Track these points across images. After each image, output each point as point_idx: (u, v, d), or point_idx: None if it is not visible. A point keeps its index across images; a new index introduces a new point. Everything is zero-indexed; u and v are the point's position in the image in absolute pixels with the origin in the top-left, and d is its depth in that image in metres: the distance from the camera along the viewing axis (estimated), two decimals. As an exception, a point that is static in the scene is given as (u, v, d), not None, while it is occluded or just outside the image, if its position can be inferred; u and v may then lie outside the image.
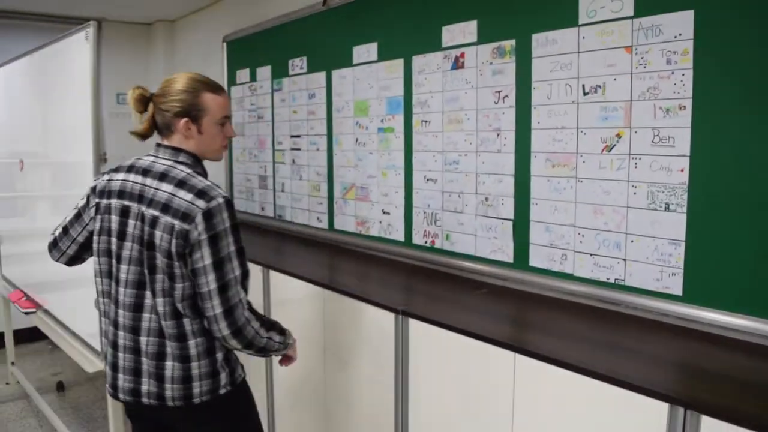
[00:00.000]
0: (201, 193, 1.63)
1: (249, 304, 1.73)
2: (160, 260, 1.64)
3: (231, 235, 1.65)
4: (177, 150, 1.76)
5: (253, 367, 2.92)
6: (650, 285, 1.94)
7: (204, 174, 1.76)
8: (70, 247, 1.91)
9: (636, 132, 1.93)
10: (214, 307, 1.64)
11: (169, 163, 1.73)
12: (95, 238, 1.79)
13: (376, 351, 2.22)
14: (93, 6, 4.57)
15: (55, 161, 2.71)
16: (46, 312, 3.36)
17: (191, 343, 1.69)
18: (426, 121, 2.64)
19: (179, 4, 4.55)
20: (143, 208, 1.67)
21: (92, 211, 1.82)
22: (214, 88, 1.78)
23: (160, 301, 1.67)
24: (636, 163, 1.94)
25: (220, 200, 1.63)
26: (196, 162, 1.78)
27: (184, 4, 4.54)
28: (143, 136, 1.83)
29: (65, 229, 1.91)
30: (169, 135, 1.78)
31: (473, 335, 1.87)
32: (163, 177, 1.69)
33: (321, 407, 2.55)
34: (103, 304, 1.81)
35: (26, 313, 3.45)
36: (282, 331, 1.86)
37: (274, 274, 2.78)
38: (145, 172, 1.73)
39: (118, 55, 5.07)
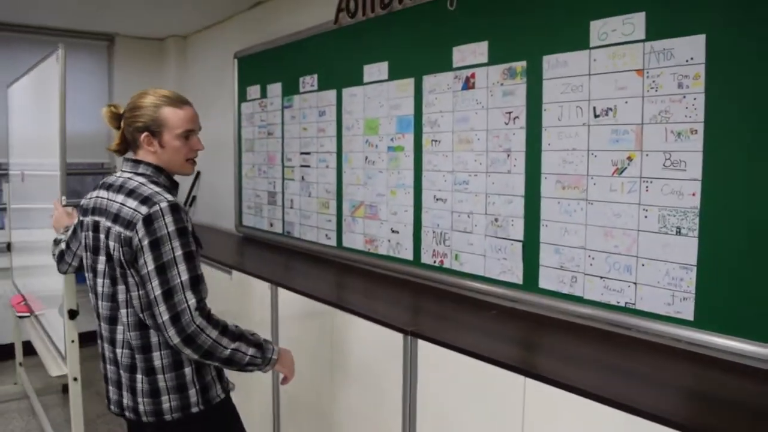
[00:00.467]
0: (145, 200, 1.65)
1: (205, 311, 1.66)
2: (118, 270, 1.70)
3: (175, 239, 1.63)
4: (137, 162, 1.81)
5: (256, 383, 2.91)
6: (661, 309, 1.92)
7: (169, 185, 1.81)
8: (73, 260, 2.11)
9: (647, 155, 1.93)
10: (162, 313, 1.60)
11: (128, 175, 1.79)
12: (82, 254, 1.93)
13: (384, 371, 2.21)
14: (106, 22, 4.62)
15: (51, 173, 2.80)
16: (36, 317, 3.48)
17: (155, 354, 1.71)
18: (436, 141, 2.64)
19: (191, 20, 4.59)
20: (104, 221, 1.75)
21: (79, 228, 1.95)
22: (175, 101, 1.82)
23: (124, 312, 1.72)
24: (647, 186, 1.93)
25: (163, 205, 1.64)
26: (157, 172, 1.80)
27: (196, 20, 4.58)
28: (118, 152, 1.89)
29: (67, 244, 2.10)
30: (135, 149, 1.84)
31: (483, 358, 1.85)
32: (119, 189, 1.75)
33: (327, 427, 2.53)
34: (95, 317, 1.86)
35: (20, 317, 3.68)
36: (258, 345, 1.76)
37: (282, 292, 2.78)
38: (110, 186, 1.80)
39: (131, 71, 5.11)
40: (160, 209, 1.63)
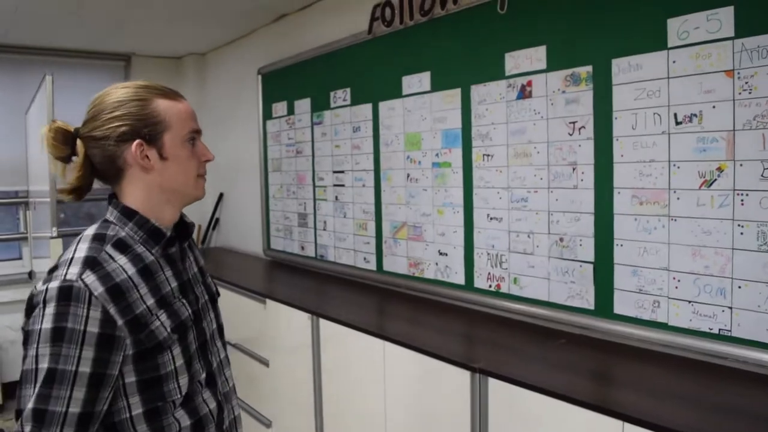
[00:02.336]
0: (50, 272, 1.14)
1: None
2: None
3: (44, 345, 1.05)
4: (112, 202, 1.26)
5: (299, 425, 2.71)
6: (763, 336, 1.72)
7: (145, 235, 1.23)
8: None
9: (741, 165, 1.72)
10: None
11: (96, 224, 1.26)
12: None
13: (449, 413, 2.00)
14: (122, 41, 4.48)
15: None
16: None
17: None
18: (488, 155, 2.44)
19: (210, 37, 4.43)
20: None
21: None
22: (168, 93, 1.26)
23: None
24: (743, 200, 1.73)
25: (53, 285, 1.08)
26: (124, 217, 1.22)
27: (215, 36, 4.42)
28: (76, 191, 1.25)
29: None
30: (117, 179, 1.24)
31: (570, 399, 1.65)
32: None
33: (382, 470, 2.33)
34: None
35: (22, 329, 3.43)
36: None
37: (324, 322, 2.59)
38: None
39: (149, 90, 4.96)
40: (46, 292, 1.08)
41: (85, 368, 1.06)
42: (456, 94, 2.56)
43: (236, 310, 3.26)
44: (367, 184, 3.11)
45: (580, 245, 2.14)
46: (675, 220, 1.88)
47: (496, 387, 1.86)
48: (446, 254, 2.67)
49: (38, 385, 1.04)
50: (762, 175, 1.69)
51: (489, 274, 2.48)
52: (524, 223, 2.32)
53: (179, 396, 1.21)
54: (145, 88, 1.23)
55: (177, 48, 4.83)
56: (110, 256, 1.15)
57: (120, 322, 1.10)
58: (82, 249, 1.15)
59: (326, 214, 3.47)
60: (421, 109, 2.75)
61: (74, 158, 1.24)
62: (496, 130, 2.40)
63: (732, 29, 1.72)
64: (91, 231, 1.21)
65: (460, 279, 2.61)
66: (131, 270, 1.16)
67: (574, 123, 2.13)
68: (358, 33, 3.07)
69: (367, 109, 3.08)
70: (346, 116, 3.24)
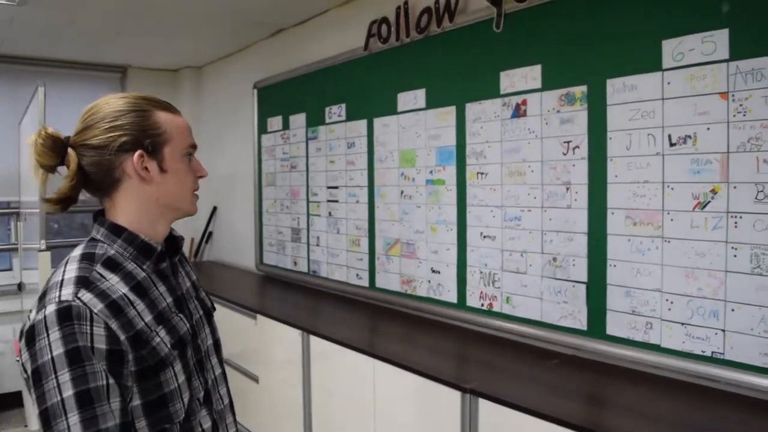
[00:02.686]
0: (41, 299, 1.07)
1: None
2: None
3: (63, 372, 0.98)
4: (98, 220, 1.21)
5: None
6: (756, 360, 1.70)
7: (135, 252, 1.18)
8: None
9: (735, 187, 1.72)
10: None
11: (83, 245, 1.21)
12: None
13: (439, 432, 1.98)
14: (118, 53, 4.47)
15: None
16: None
17: None
18: (482, 173, 2.43)
19: (207, 50, 4.44)
20: None
21: None
22: (167, 106, 1.23)
23: None
24: (736, 222, 1.72)
25: (50, 309, 1.02)
26: (112, 234, 1.18)
27: (212, 50, 4.43)
28: (64, 201, 1.19)
29: None
30: (111, 190, 1.19)
31: (563, 423, 1.63)
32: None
33: (370, 490, 2.30)
34: None
35: (17, 360, 3.42)
36: None
37: (314, 339, 2.56)
38: None
39: (144, 103, 4.95)
40: (44, 319, 1.02)
41: (112, 380, 1.02)
42: (451, 111, 2.56)
43: (227, 326, 3.23)
44: (361, 200, 3.10)
45: (573, 265, 2.13)
46: (668, 241, 1.88)
47: (487, 408, 1.84)
48: (439, 272, 2.66)
49: (76, 413, 0.97)
50: (756, 198, 1.68)
51: (482, 292, 2.47)
52: (517, 242, 2.31)
53: (183, 416, 1.15)
54: (144, 100, 1.20)
55: (173, 61, 4.83)
56: (101, 275, 1.10)
57: (122, 337, 1.05)
58: (71, 270, 1.10)
59: (319, 230, 3.45)
60: (416, 126, 2.74)
61: (59, 169, 1.19)
62: (490, 149, 2.40)
63: (727, 51, 1.73)
64: (78, 251, 1.16)
65: (452, 297, 2.59)
66: (124, 288, 1.11)
67: (568, 142, 2.13)
68: (354, 49, 3.07)
69: (362, 125, 3.08)
70: (341, 132, 3.23)
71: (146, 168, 1.17)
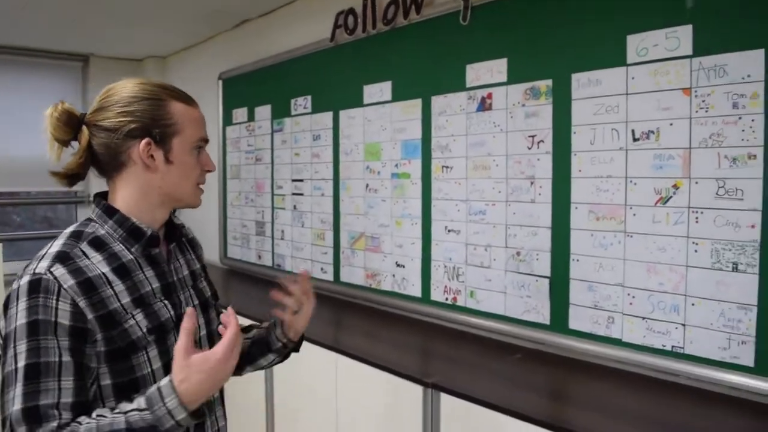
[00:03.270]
0: (24, 269, 1.11)
1: None
2: None
3: (21, 341, 1.02)
4: (96, 200, 1.23)
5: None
6: (715, 354, 1.72)
7: (125, 234, 1.18)
8: None
9: (697, 183, 1.73)
10: None
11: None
12: None
13: (400, 428, 1.96)
14: (80, 41, 4.36)
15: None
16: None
17: None
18: (447, 167, 2.42)
19: (171, 40, 4.35)
20: None
21: None
22: (184, 97, 1.22)
23: None
24: (697, 218, 1.73)
25: (24, 279, 1.06)
26: (104, 215, 1.19)
27: (176, 40, 4.34)
28: (71, 177, 1.22)
29: None
30: (115, 172, 1.20)
31: (525, 418, 1.62)
32: None
33: (332, 486, 2.27)
34: None
35: None
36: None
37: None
38: None
39: (106, 93, 4.84)
40: (18, 289, 1.06)
41: (67, 357, 1.03)
42: (417, 104, 2.54)
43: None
44: (326, 194, 3.06)
45: (537, 259, 2.13)
46: (631, 236, 1.88)
47: (448, 402, 1.82)
48: (403, 266, 2.64)
49: (21, 384, 1.00)
50: (717, 194, 1.69)
51: (446, 287, 2.45)
52: (482, 236, 2.30)
53: None
54: (162, 88, 1.20)
55: (137, 50, 4.73)
56: (84, 252, 1.12)
57: (90, 316, 1.06)
58: (56, 245, 1.13)
59: (284, 223, 3.41)
60: (382, 119, 2.72)
61: (73, 144, 1.21)
62: (455, 142, 2.38)
63: (690, 48, 1.73)
64: (70, 228, 1.18)
65: (416, 291, 2.58)
66: (106, 267, 1.12)
67: (533, 137, 2.12)
68: (320, 40, 3.03)
69: (327, 117, 3.04)
70: (307, 124, 3.19)
71: (152, 156, 1.17)
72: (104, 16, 3.60)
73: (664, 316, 1.82)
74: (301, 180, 3.26)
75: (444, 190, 2.44)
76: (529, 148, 2.13)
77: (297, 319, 1.43)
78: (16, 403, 0.99)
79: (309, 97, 3.17)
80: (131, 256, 1.17)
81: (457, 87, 2.36)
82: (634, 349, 1.88)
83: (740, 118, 1.64)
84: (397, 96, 2.64)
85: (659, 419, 1.61)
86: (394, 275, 2.69)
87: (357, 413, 2.16)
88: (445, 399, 1.82)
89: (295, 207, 3.31)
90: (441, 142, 2.44)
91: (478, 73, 2.29)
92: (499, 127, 2.22)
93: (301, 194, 3.25)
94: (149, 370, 1.14)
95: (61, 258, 1.09)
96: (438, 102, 2.45)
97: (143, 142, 1.16)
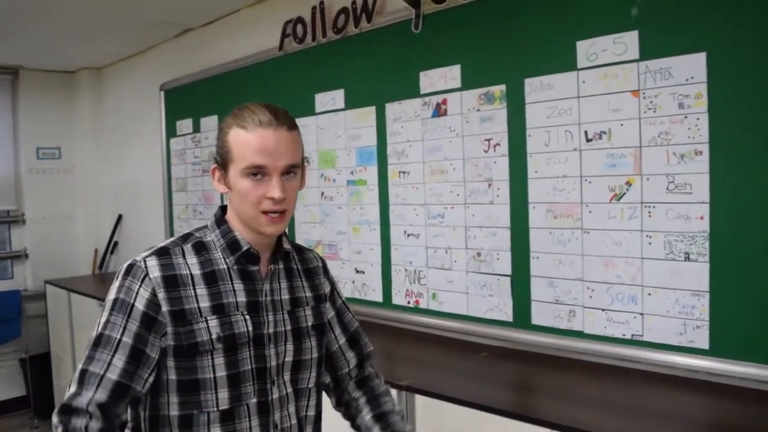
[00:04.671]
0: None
1: (67, 411, 1.12)
2: None
3: (104, 313, 1.18)
4: (217, 211, 1.33)
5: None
6: (672, 339, 1.82)
7: (224, 245, 1.25)
8: None
9: (648, 179, 1.83)
10: None
11: None
12: None
13: None
14: (9, 53, 4.18)
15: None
16: None
17: None
18: (404, 173, 2.46)
19: (107, 51, 4.23)
20: None
21: None
22: (247, 121, 1.21)
23: None
24: (650, 212, 1.83)
25: (127, 263, 1.22)
26: (214, 224, 1.28)
27: (112, 51, 4.23)
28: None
29: None
30: None
31: (497, 411, 1.67)
32: None
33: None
34: None
35: None
36: None
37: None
38: None
39: (39, 106, 4.66)
40: (120, 269, 1.22)
41: (128, 339, 1.15)
42: (371, 111, 2.58)
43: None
44: (280, 203, 3.05)
45: (497, 259, 2.19)
46: (588, 232, 1.97)
47: (423, 403, 1.86)
48: (363, 272, 2.67)
49: (89, 348, 1.15)
50: (667, 189, 1.79)
51: (407, 290, 2.50)
52: (441, 239, 2.35)
53: (215, 409, 1.21)
54: (233, 115, 1.25)
55: (70, 62, 4.58)
56: (183, 252, 1.24)
57: (165, 308, 1.17)
58: (166, 242, 1.26)
59: (236, 234, 3.37)
60: (335, 127, 2.74)
61: None
62: (411, 148, 2.43)
63: (637, 52, 1.83)
64: (187, 231, 1.31)
65: (377, 296, 2.61)
66: (197, 270, 1.23)
67: (489, 140, 2.19)
68: (268, 49, 3.03)
69: (278, 126, 3.03)
70: (257, 134, 3.17)
71: (221, 180, 1.26)
72: (36, 26, 3.48)
73: (622, 306, 1.91)
74: (252, 190, 3.23)
75: (402, 195, 2.48)
76: (486, 152, 2.20)
77: None
78: (81, 362, 1.15)
79: (258, 107, 3.15)
80: (224, 266, 1.25)
81: (412, 94, 2.41)
82: (596, 340, 1.97)
83: (686, 117, 1.75)
84: (351, 103, 2.67)
85: (622, 404, 1.69)
86: (354, 281, 2.71)
87: (332, 422, 2.17)
88: (420, 400, 1.86)
89: (247, 217, 3.28)
90: (397, 148, 2.49)
91: (432, 79, 2.34)
92: (454, 131, 2.28)
93: (253, 204, 3.23)
94: (212, 375, 1.20)
95: (160, 252, 1.22)
96: (392, 109, 2.49)
97: (213, 168, 1.28)
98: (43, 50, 4.12)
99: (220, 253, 1.25)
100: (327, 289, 1.45)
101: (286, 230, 1.33)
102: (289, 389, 1.31)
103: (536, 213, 2.08)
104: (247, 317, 1.24)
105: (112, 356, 1.14)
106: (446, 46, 2.29)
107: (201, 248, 1.25)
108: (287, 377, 1.30)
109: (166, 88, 3.87)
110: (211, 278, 1.23)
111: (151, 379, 1.18)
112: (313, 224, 2.88)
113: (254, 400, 1.24)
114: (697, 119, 1.73)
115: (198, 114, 3.60)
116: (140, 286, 1.17)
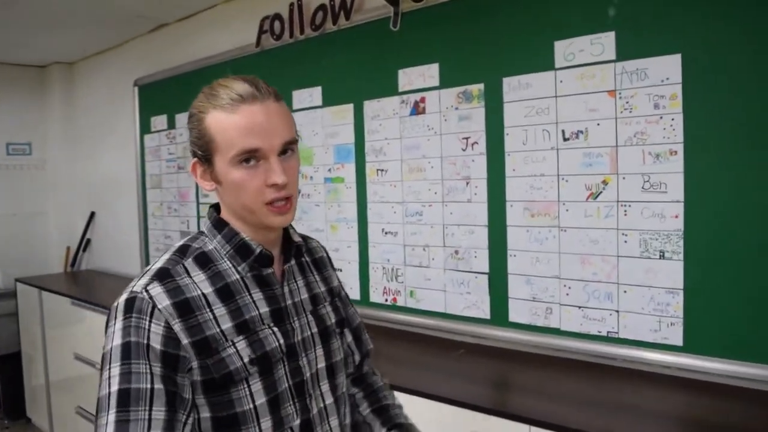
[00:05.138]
0: (127, 286, 1.05)
1: None
2: None
3: (115, 365, 0.95)
4: (209, 211, 1.15)
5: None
6: (647, 336, 1.85)
7: (233, 251, 1.08)
8: None
9: (624, 178, 1.85)
10: None
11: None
12: None
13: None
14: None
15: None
16: None
17: None
18: (382, 170, 2.46)
19: (79, 45, 4.16)
20: None
21: None
22: (224, 99, 1.02)
23: None
24: (626, 210, 1.86)
25: (122, 297, 1.00)
26: (213, 229, 1.10)
27: (84, 45, 4.16)
28: None
29: None
30: None
31: (475, 407, 1.69)
32: None
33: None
34: None
35: None
36: None
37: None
38: None
39: (7, 101, 4.58)
40: (116, 306, 1.00)
41: (159, 385, 0.94)
42: (349, 109, 2.57)
43: None
44: (257, 200, 3.03)
45: (475, 257, 2.21)
46: (564, 230, 1.99)
47: (403, 402, 1.86)
48: (340, 270, 2.66)
49: (114, 411, 0.91)
50: (642, 188, 1.82)
51: (385, 288, 2.50)
52: (419, 237, 2.36)
53: None
54: (206, 97, 1.05)
55: (40, 56, 4.50)
56: (186, 270, 1.03)
57: (185, 341, 0.97)
58: (161, 261, 1.05)
59: (212, 232, 3.34)
60: (313, 124, 2.73)
61: None
62: (389, 146, 2.43)
63: (614, 53, 1.85)
64: (179, 243, 1.10)
65: (355, 294, 2.60)
66: (208, 288, 1.03)
67: (467, 138, 2.20)
68: (244, 45, 3.00)
69: (255, 123, 3.01)
70: (233, 131, 3.14)
71: (205, 178, 1.08)
72: (3, 18, 3.40)
73: (598, 304, 1.94)
74: (228, 187, 3.20)
75: (379, 193, 2.48)
76: (464, 150, 2.21)
77: None
78: (108, 427, 0.91)
79: (234, 104, 3.13)
80: (237, 276, 1.07)
81: (390, 92, 2.41)
82: (572, 337, 1.99)
83: (661, 117, 1.77)
84: (328, 101, 2.66)
85: (597, 400, 1.72)
86: (331, 279, 2.71)
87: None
88: (400, 398, 1.86)
89: (223, 215, 3.26)
90: (375, 145, 2.49)
91: (411, 77, 2.34)
92: (433, 130, 2.29)
93: (230, 202, 3.20)
94: (251, 406, 1.03)
95: (161, 275, 1.01)
96: (371, 106, 2.49)
97: (192, 163, 1.09)
98: (12, 43, 4.03)
99: (228, 262, 1.07)
100: (335, 281, 1.30)
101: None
102: (329, 400, 1.16)
103: (514, 211, 2.10)
104: (275, 329, 1.07)
105: (150, 410, 0.93)
106: (425, 44, 2.29)
107: (205, 261, 1.06)
108: (324, 387, 1.15)
109: (140, 83, 3.82)
110: (226, 294, 1.04)
111: (190, 421, 0.98)
112: (291, 222, 2.87)
113: (297, 421, 1.08)
114: (672, 120, 1.75)
115: (173, 110, 3.56)
116: (150, 322, 0.97)
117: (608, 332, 1.92)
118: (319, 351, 1.15)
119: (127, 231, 4.11)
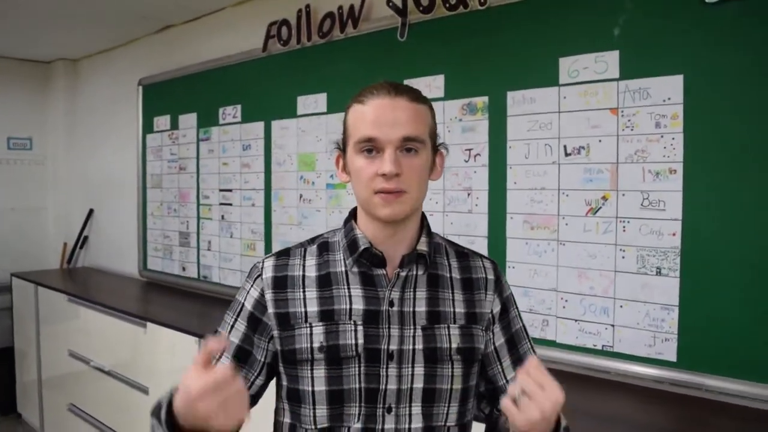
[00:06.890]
0: None
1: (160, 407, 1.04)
2: None
3: (228, 312, 1.18)
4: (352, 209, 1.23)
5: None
6: (642, 351, 1.87)
7: (346, 244, 1.12)
8: None
9: (623, 195, 1.89)
10: None
11: None
12: None
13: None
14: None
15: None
16: None
17: None
18: (385, 178, 2.49)
19: (84, 43, 4.17)
20: None
21: None
22: (366, 95, 1.10)
23: None
24: (624, 227, 1.89)
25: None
26: (346, 220, 1.17)
27: (90, 43, 4.17)
28: None
29: None
30: None
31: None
32: None
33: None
34: None
35: None
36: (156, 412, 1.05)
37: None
38: None
39: (10, 96, 4.58)
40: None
41: (234, 339, 1.13)
42: (353, 116, 2.59)
43: (110, 334, 3.08)
44: (257, 204, 3.06)
45: (474, 267, 2.23)
46: (563, 244, 2.02)
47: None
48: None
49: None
50: (641, 205, 1.85)
51: (383, 294, 2.52)
52: (420, 245, 2.38)
53: (312, 427, 1.08)
54: (356, 95, 1.13)
55: (45, 52, 4.51)
56: (304, 253, 1.16)
57: (270, 310, 1.11)
58: (296, 243, 1.21)
59: (211, 234, 3.36)
60: (317, 130, 2.75)
61: None
62: (393, 154, 2.45)
63: (617, 71, 1.89)
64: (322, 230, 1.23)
65: (353, 300, 2.62)
66: (312, 273, 1.13)
67: (470, 150, 2.23)
68: (251, 50, 3.03)
69: (258, 127, 3.04)
70: (236, 133, 3.18)
71: (339, 165, 1.15)
72: (8, 14, 3.41)
73: (594, 317, 1.96)
74: (229, 190, 3.23)
75: (381, 200, 2.50)
76: (466, 161, 2.24)
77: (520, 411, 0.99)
78: None
79: (239, 106, 3.16)
80: (343, 269, 1.11)
81: (395, 101, 2.43)
82: (568, 350, 2.02)
83: (662, 136, 1.81)
84: (333, 108, 2.69)
85: (590, 412, 1.73)
86: (329, 284, 2.72)
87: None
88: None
89: (222, 217, 3.28)
90: (378, 153, 2.51)
91: (417, 87, 2.36)
92: (436, 140, 2.31)
93: (230, 204, 3.23)
94: (310, 388, 1.07)
95: (281, 253, 1.17)
96: (375, 115, 2.51)
97: (335, 156, 1.16)
98: (17, 39, 4.05)
99: (341, 254, 1.13)
100: (495, 308, 1.20)
101: (429, 227, 1.19)
102: (418, 423, 1.09)
103: (514, 223, 2.13)
104: (359, 328, 1.07)
105: (218, 357, 1.08)
106: (431, 55, 2.32)
107: (324, 249, 1.14)
108: (416, 409, 1.09)
109: (144, 83, 3.84)
110: (325, 281, 1.10)
111: (258, 382, 1.12)
112: (291, 226, 2.89)
113: (358, 425, 1.06)
114: (673, 139, 1.79)
115: (176, 111, 3.58)
116: (252, 286, 1.14)
117: (603, 346, 1.95)
118: (419, 369, 1.09)
119: (125, 229, 4.12)
